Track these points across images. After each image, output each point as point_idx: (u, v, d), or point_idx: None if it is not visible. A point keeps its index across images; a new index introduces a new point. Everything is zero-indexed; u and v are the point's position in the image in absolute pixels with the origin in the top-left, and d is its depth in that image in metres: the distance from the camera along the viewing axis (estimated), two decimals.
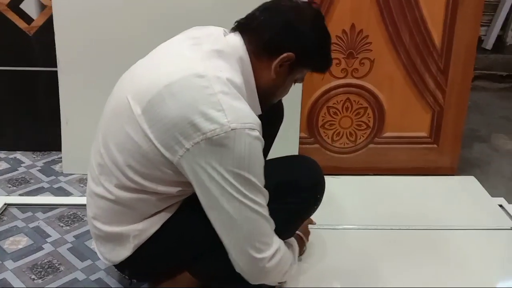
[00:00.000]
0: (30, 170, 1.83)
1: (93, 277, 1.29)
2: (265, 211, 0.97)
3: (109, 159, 1.01)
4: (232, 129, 0.89)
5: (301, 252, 1.33)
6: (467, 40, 1.71)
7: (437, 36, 1.70)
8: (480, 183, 1.81)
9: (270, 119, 1.34)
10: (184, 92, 0.92)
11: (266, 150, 1.42)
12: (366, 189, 1.75)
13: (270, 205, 0.99)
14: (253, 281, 1.02)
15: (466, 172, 1.90)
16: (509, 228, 1.53)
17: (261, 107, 1.06)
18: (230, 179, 0.91)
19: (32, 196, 1.66)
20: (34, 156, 1.94)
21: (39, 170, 1.83)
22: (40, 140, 1.94)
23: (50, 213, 1.56)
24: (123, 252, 1.05)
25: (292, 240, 1.22)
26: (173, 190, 1.00)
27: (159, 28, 1.44)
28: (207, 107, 0.90)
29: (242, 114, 0.92)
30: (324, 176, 1.19)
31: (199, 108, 0.90)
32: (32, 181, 1.76)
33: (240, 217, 0.94)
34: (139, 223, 1.03)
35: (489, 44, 2.98)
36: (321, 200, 1.19)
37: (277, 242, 1.02)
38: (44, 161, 1.90)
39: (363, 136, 1.82)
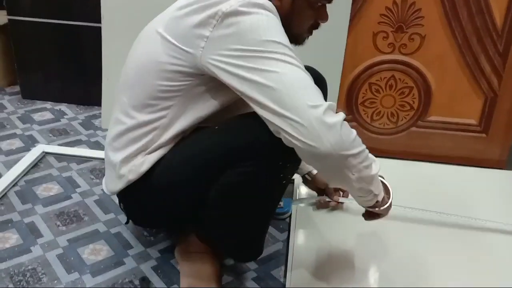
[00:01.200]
0: (72, 122, 1.90)
1: (113, 230, 1.33)
2: (301, 65, 0.90)
3: (128, 82, 1.04)
4: (248, 1, 0.89)
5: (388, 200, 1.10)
6: None
7: (499, 15, 1.55)
8: None
9: None
10: None
11: None
12: (403, 174, 1.66)
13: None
14: (332, 144, 0.85)
15: None
16: None
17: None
18: (256, 48, 0.87)
19: (70, 147, 1.72)
20: (78, 109, 2.00)
21: (80, 123, 1.89)
22: (85, 94, 2.01)
23: (83, 165, 1.62)
24: (118, 184, 1.06)
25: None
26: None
27: None
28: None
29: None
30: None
31: (217, 1, 0.90)
32: (72, 132, 1.83)
33: (283, 70, 0.86)
34: (138, 157, 1.03)
35: None
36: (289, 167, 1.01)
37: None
38: (86, 114, 1.97)
39: (405, 118, 1.72)
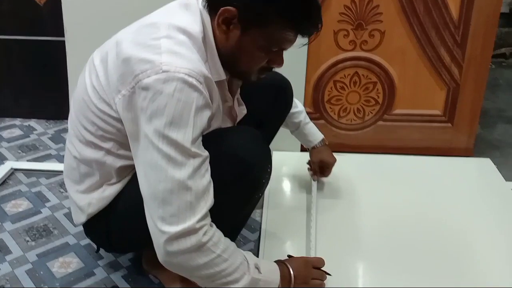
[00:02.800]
0: (41, 138, 1.88)
1: (83, 242, 1.32)
2: (186, 179, 0.83)
3: (74, 115, 1.02)
4: (163, 71, 0.82)
5: None
6: (488, 11, 1.58)
7: (454, 7, 1.58)
8: (497, 166, 1.69)
9: (276, 108, 1.31)
10: (131, 39, 0.90)
11: (271, 135, 1.38)
12: (373, 168, 1.69)
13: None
14: (161, 262, 0.88)
15: (484, 154, 1.79)
16: None
17: (232, 73, 1.00)
18: (152, 138, 0.83)
19: (39, 162, 1.71)
20: (47, 124, 1.99)
21: (49, 138, 1.88)
22: (54, 109, 2.00)
23: (53, 179, 1.61)
24: (81, 217, 1.05)
25: (264, 262, 0.99)
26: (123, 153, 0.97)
27: None
28: (145, 51, 0.86)
29: (180, 59, 0.84)
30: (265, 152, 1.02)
31: (138, 52, 0.86)
32: (41, 147, 1.81)
33: (158, 176, 0.84)
34: (96, 191, 1.02)
35: None
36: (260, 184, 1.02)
37: (197, 220, 0.85)
38: (56, 129, 1.96)
39: (371, 113, 1.75)
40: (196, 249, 0.85)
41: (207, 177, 0.87)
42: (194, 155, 0.84)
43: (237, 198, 1.00)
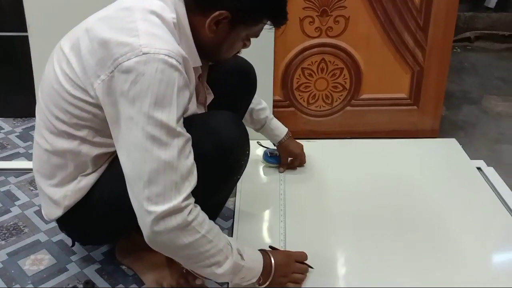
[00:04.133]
0: (9, 136, 1.85)
1: (55, 239, 1.31)
2: (172, 159, 0.85)
3: (44, 105, 1.01)
4: (143, 53, 0.84)
5: (264, 282, 1.05)
6: None
7: None
8: (463, 146, 1.75)
9: (241, 91, 1.33)
10: (105, 23, 0.91)
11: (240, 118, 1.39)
12: (343, 152, 1.72)
13: None
14: (147, 242, 0.90)
15: (450, 135, 1.84)
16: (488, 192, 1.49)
17: (209, 59, 1.06)
18: (136, 118, 0.84)
19: (7, 161, 1.68)
20: (14, 122, 1.95)
21: (17, 136, 1.85)
22: (21, 106, 1.95)
23: (22, 178, 1.58)
24: (56, 211, 1.05)
25: (246, 250, 1.01)
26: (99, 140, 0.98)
27: None
28: (122, 34, 0.87)
29: (158, 41, 0.86)
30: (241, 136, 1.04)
31: (115, 36, 0.87)
32: (9, 146, 1.78)
33: (139, 160, 0.85)
34: (71, 183, 1.02)
35: (491, 2, 2.84)
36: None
37: (182, 200, 0.86)
38: (24, 127, 1.92)
39: (339, 99, 1.77)
40: (182, 228, 0.87)
41: (191, 158, 0.89)
42: (178, 135, 0.86)
43: (217, 180, 1.03)
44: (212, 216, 1.11)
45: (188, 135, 0.90)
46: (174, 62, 0.86)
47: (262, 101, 1.44)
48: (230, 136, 1.00)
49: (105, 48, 0.88)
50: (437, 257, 1.22)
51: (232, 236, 1.30)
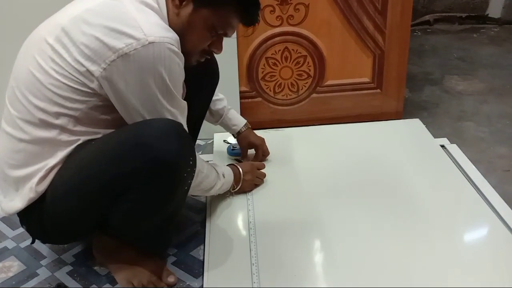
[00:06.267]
0: None
1: (23, 245, 1.28)
2: (182, 121, 1.03)
3: (20, 95, 0.99)
4: (150, 42, 0.90)
5: (236, 186, 1.37)
6: None
7: None
8: (426, 125, 1.79)
9: (203, 82, 1.31)
10: (98, 14, 0.94)
11: (201, 114, 1.39)
12: (312, 139, 1.74)
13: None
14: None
15: (414, 116, 1.88)
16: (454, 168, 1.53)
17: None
18: (152, 92, 0.94)
19: None
20: None
21: None
22: None
23: None
24: (17, 203, 1.02)
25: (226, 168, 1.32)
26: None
27: None
28: (121, 25, 0.91)
29: (159, 29, 0.93)
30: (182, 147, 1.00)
31: (112, 26, 0.91)
32: None
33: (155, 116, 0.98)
34: (39, 174, 0.99)
35: None
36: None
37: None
38: None
39: (305, 86, 1.79)
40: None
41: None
42: (182, 105, 1.03)
43: (162, 194, 1.00)
44: (168, 226, 1.13)
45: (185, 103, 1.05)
46: (175, 48, 0.94)
47: (219, 93, 1.44)
48: (165, 148, 0.94)
49: (103, 42, 0.91)
50: (409, 232, 1.25)
51: (205, 228, 1.30)
